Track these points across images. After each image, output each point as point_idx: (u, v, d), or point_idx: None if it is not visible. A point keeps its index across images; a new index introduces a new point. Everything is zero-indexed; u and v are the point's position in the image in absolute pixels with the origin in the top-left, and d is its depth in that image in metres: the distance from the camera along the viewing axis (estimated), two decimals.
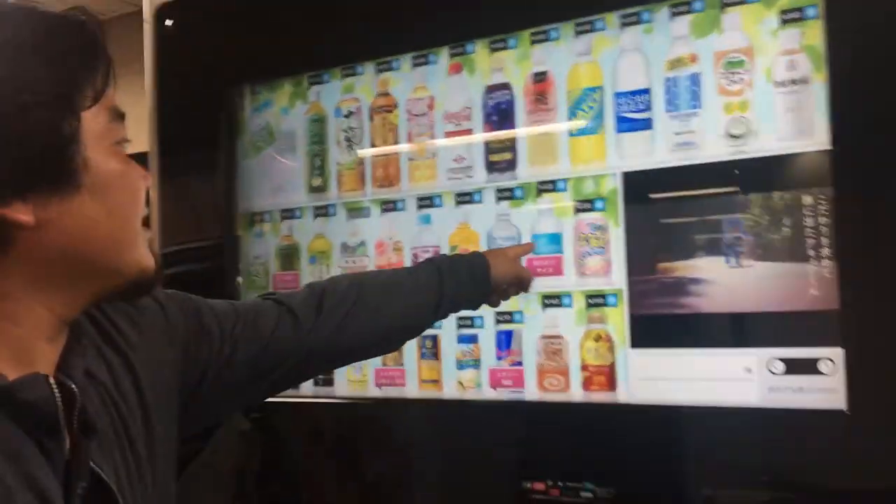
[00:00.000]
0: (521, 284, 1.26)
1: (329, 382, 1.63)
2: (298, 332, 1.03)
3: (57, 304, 0.73)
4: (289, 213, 1.71)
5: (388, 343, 1.21)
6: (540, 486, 1.37)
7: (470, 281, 1.18)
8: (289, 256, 1.70)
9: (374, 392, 1.59)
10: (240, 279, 1.74)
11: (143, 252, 0.77)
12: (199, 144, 1.78)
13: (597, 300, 1.38)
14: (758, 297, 1.25)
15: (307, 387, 1.63)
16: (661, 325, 1.33)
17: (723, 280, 1.27)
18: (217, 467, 1.67)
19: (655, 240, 1.33)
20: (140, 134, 1.94)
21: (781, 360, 1.23)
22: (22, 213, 0.67)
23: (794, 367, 1.22)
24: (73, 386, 0.71)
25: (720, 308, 1.28)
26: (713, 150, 1.29)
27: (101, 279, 0.75)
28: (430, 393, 1.53)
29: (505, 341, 1.47)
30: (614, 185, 1.37)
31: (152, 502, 0.82)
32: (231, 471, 1.69)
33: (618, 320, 1.36)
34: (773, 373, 1.23)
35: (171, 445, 0.88)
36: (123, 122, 0.76)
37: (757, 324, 1.26)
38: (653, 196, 1.34)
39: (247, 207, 1.75)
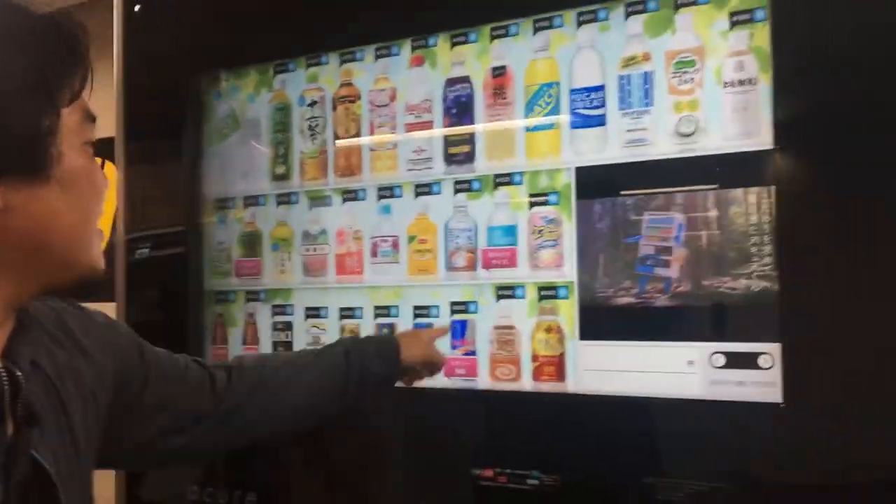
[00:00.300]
0: (431, 368, 1.34)
1: None
2: (216, 392, 1.09)
3: (7, 288, 0.75)
4: (252, 200, 1.72)
5: (295, 421, 1.22)
6: (488, 472, 1.40)
7: (378, 362, 1.25)
8: (251, 243, 1.72)
9: None
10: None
11: (97, 252, 0.81)
12: (166, 130, 1.79)
13: (548, 292, 1.41)
14: (701, 292, 1.28)
15: None
16: (608, 318, 1.36)
17: (668, 275, 1.30)
18: None
19: (606, 234, 1.36)
20: (107, 119, 1.95)
21: (723, 353, 1.26)
22: None
23: (735, 361, 1.25)
24: (19, 373, 0.74)
25: (665, 302, 1.31)
26: (663, 147, 1.32)
27: (54, 270, 0.78)
28: None
29: (460, 330, 1.49)
30: (568, 179, 1.40)
31: (86, 494, 0.84)
32: None
33: (568, 312, 1.39)
34: (715, 366, 1.27)
35: (92, 452, 0.90)
36: (94, 125, 0.80)
37: (699, 318, 1.29)
38: (604, 191, 1.37)
39: (212, 194, 1.76)
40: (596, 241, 1.37)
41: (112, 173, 1.65)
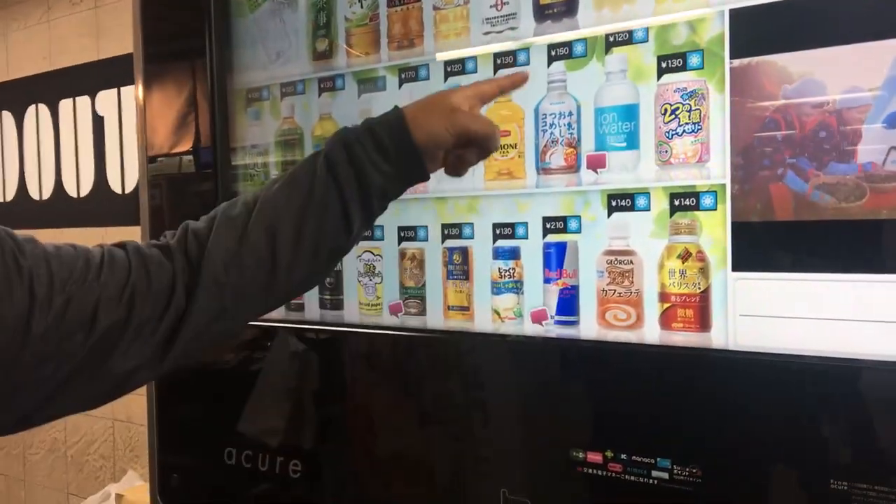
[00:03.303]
0: (475, 138, 0.83)
1: (337, 305, 1.29)
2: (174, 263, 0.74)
3: None
4: (290, 88, 1.33)
5: (309, 256, 0.79)
6: (596, 457, 0.99)
7: (377, 150, 0.79)
8: (290, 145, 1.33)
9: (389, 319, 1.23)
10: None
11: None
12: (187, 20, 1.41)
13: (686, 201, 0.96)
14: None
15: (314, 310, 1.30)
16: (780, 239, 0.89)
17: (880, 175, 0.82)
18: (273, 386, 1.37)
19: (777, 111, 0.88)
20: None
21: None
22: None
23: None
24: None
25: (873, 214, 0.83)
26: None
27: None
28: (457, 323, 1.16)
29: (555, 257, 1.06)
30: (719, 29, 0.92)
31: None
32: (286, 390, 1.39)
33: (716, 231, 0.93)
34: None
35: None
36: None
37: None
38: (777, 43, 0.88)
39: (241, 83, 1.38)
40: (761, 122, 0.89)
41: None
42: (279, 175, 0.83)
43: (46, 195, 2.62)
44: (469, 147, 0.84)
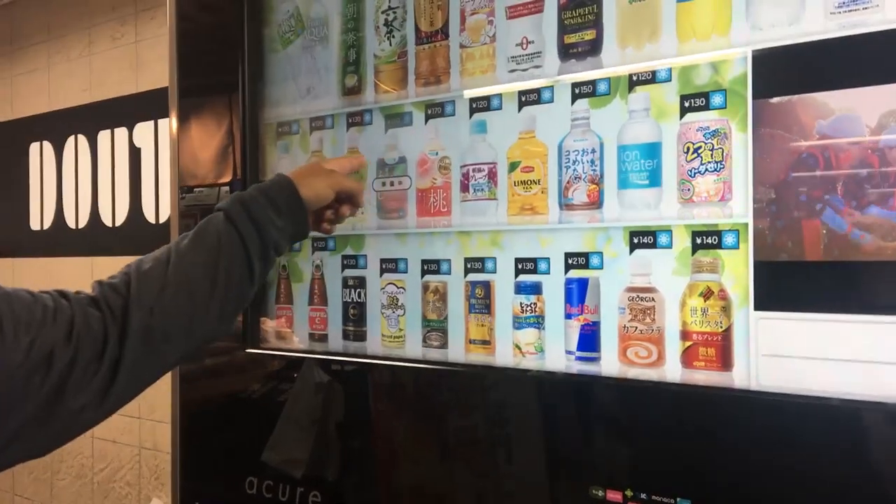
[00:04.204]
0: (348, 196, 1.05)
1: (360, 337, 1.30)
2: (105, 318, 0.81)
3: None
4: (319, 122, 1.36)
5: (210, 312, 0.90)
6: (615, 496, 0.98)
7: (274, 213, 0.94)
8: None
9: (411, 351, 1.23)
10: None
11: None
12: (221, 54, 1.45)
13: (708, 239, 0.96)
14: None
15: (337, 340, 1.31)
16: (803, 279, 0.89)
17: None
18: (296, 417, 1.38)
19: (801, 150, 0.88)
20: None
21: None
22: None
23: None
24: None
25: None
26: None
27: None
28: (478, 357, 1.16)
29: (577, 293, 1.06)
30: (742, 69, 0.93)
31: None
32: (310, 421, 1.39)
33: (738, 269, 0.93)
34: None
35: None
36: None
37: None
38: (798, 83, 0.89)
39: (272, 117, 1.41)
40: (784, 162, 0.89)
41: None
42: (184, 234, 0.93)
43: (83, 224, 2.68)
44: (343, 203, 1.05)
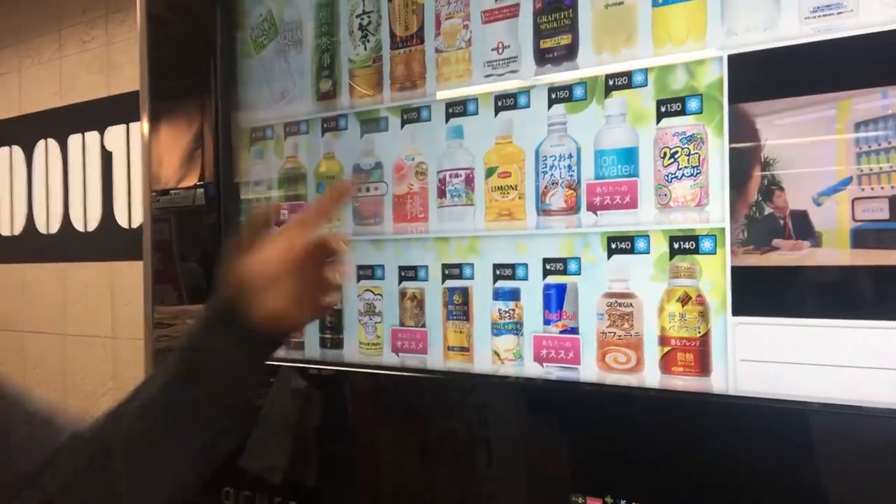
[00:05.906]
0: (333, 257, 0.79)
1: (337, 344, 1.28)
2: None
3: None
4: (294, 128, 1.34)
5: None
6: (595, 503, 0.98)
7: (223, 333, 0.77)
8: (294, 182, 1.34)
9: (390, 359, 1.22)
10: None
11: None
12: (193, 54, 1.43)
13: (685, 244, 0.95)
14: None
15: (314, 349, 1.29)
16: (780, 284, 0.89)
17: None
18: (274, 424, 1.37)
19: (775, 154, 0.88)
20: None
21: None
22: None
23: None
24: None
25: (876, 259, 0.83)
26: (872, 15, 0.83)
27: None
28: (456, 364, 1.15)
29: (555, 299, 1.06)
30: (717, 73, 0.93)
31: None
32: (287, 428, 1.38)
33: (716, 274, 0.93)
34: None
35: None
36: None
37: None
38: (773, 89, 0.89)
39: (246, 122, 1.40)
40: (760, 166, 0.89)
41: None
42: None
43: (54, 229, 2.64)
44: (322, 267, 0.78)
